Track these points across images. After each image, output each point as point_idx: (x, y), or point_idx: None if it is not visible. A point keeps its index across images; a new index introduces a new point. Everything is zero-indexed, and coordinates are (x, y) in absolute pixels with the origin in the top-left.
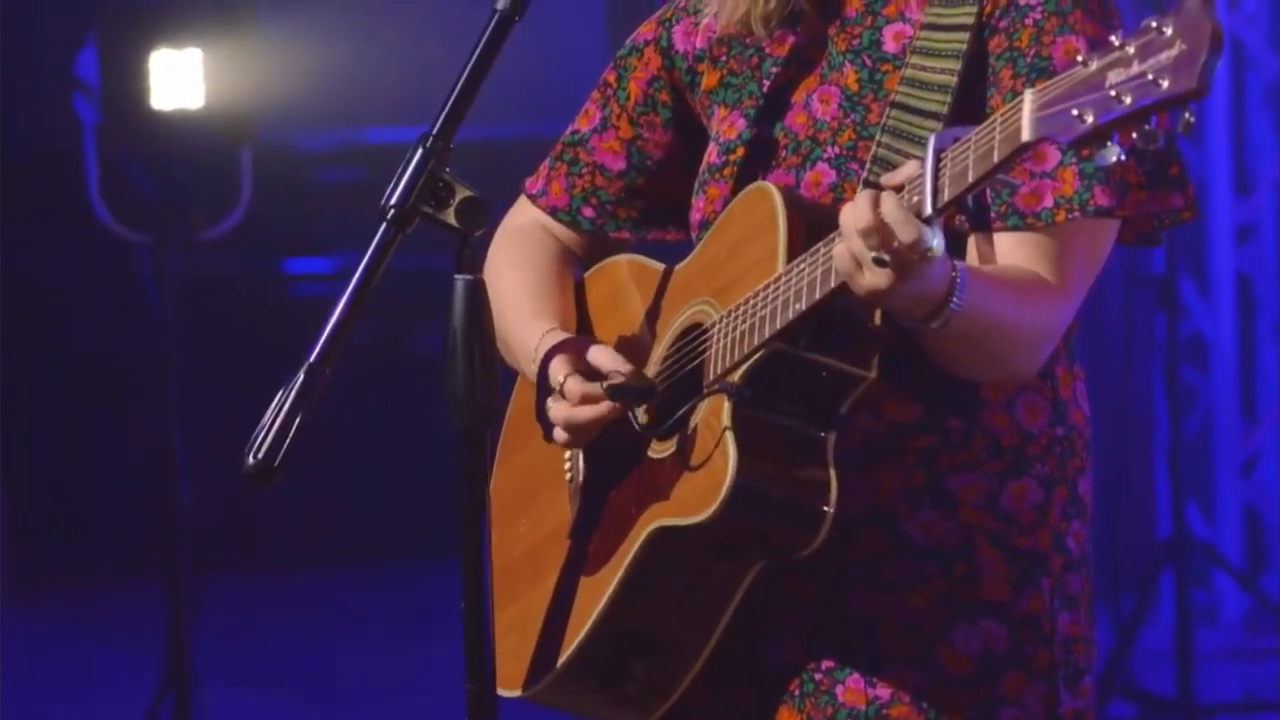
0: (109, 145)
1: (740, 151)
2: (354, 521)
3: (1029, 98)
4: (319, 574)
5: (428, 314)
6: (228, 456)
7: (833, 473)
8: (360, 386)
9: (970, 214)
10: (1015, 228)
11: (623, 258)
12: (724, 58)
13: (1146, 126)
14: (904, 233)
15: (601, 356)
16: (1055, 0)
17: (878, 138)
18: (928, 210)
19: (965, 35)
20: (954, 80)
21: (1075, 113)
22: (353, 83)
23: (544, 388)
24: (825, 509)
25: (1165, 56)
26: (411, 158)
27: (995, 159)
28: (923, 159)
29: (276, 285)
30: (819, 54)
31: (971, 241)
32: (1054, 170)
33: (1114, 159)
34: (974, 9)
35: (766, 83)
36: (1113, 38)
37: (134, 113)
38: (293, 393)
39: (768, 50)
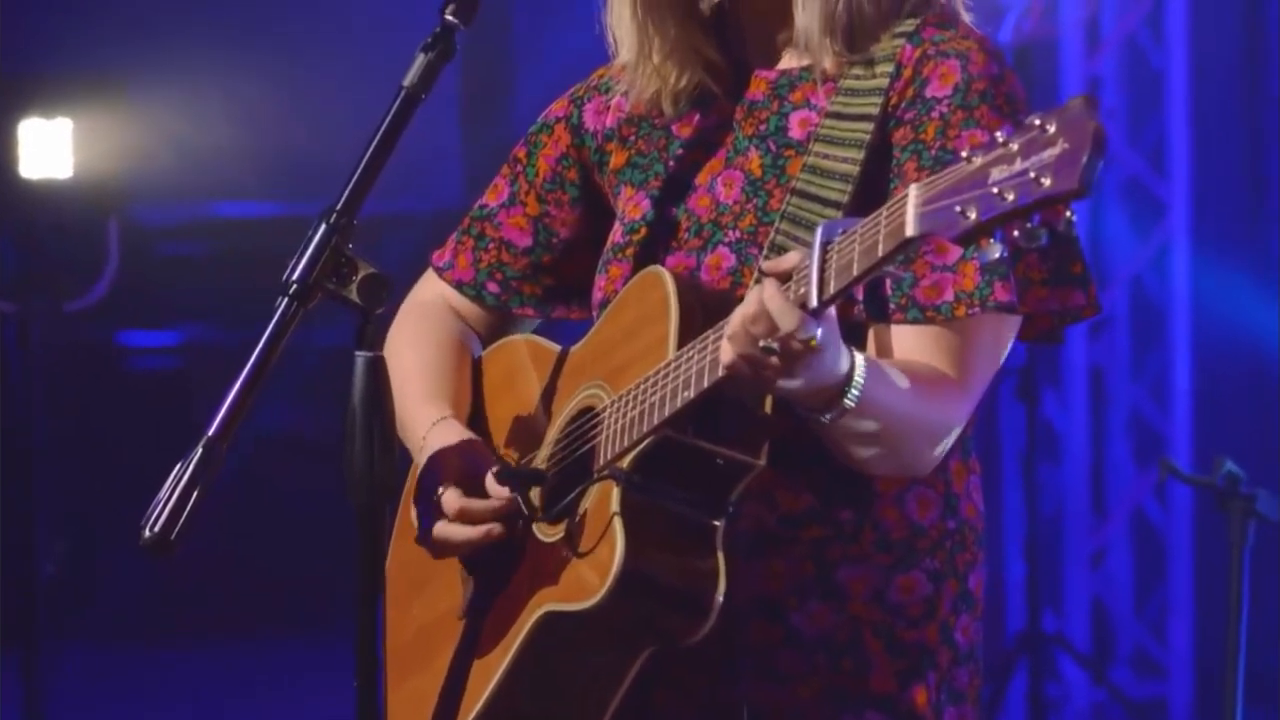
0: None
1: (643, 232)
2: (218, 595)
3: (913, 193)
4: (178, 648)
5: (282, 390)
6: (88, 527)
7: (721, 561)
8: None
9: (867, 305)
10: (915, 321)
11: (520, 337)
12: (633, 138)
13: (1028, 224)
14: (784, 321)
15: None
16: (962, 94)
17: (776, 224)
18: (813, 302)
19: (870, 125)
20: (856, 170)
21: (958, 209)
22: (222, 156)
23: (423, 489)
24: (714, 597)
25: (1048, 155)
26: (314, 234)
27: (879, 253)
28: (809, 248)
29: (140, 357)
30: (726, 137)
31: (871, 333)
32: (955, 264)
33: (996, 255)
34: (880, 100)
35: (673, 164)
36: (998, 134)
37: (1, 181)
38: (190, 467)
39: (675, 132)
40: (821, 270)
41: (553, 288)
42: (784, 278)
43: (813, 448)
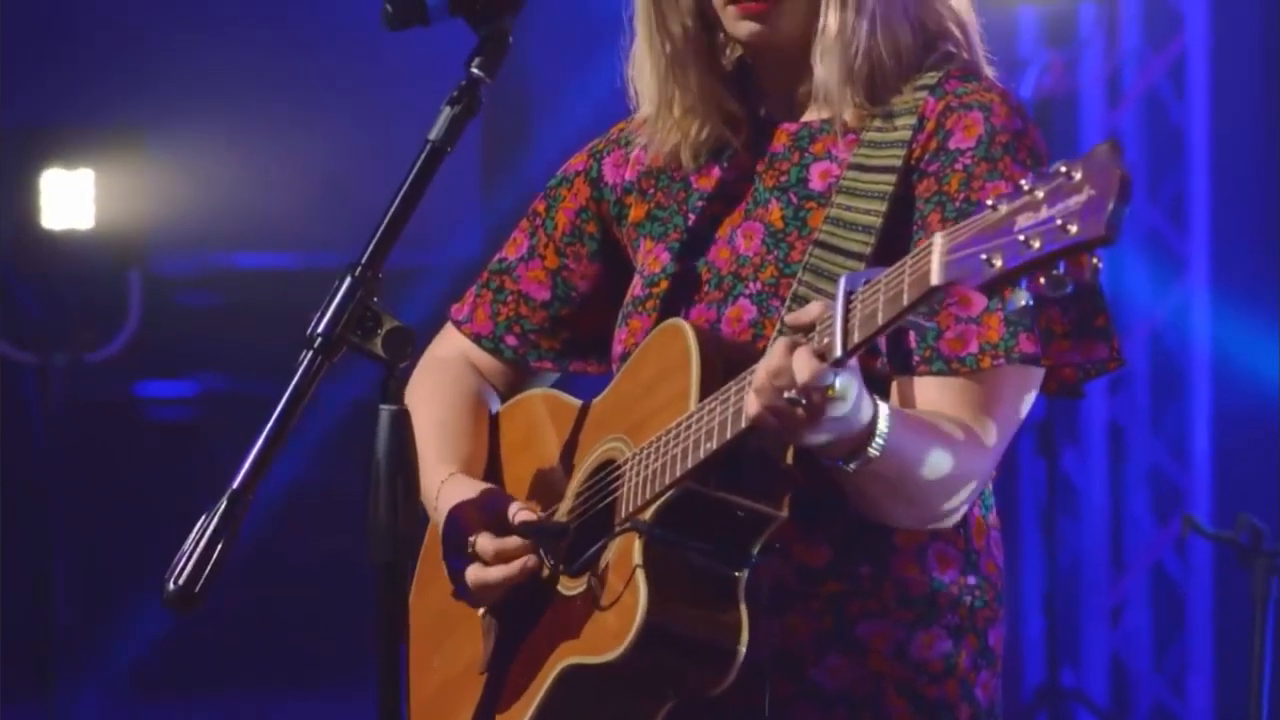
0: None
1: (664, 285)
2: (239, 647)
3: (938, 241)
4: (197, 700)
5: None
6: (107, 577)
7: (744, 613)
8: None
9: (891, 357)
10: (940, 373)
11: (537, 392)
12: (652, 190)
13: (1055, 272)
14: (808, 373)
15: (516, 512)
16: (985, 146)
17: (799, 275)
18: (838, 352)
19: (892, 177)
20: (879, 221)
21: (984, 257)
22: (243, 207)
23: (449, 543)
24: (737, 648)
25: (1074, 202)
26: (339, 287)
27: (905, 302)
28: (832, 299)
29: (159, 407)
30: (745, 189)
31: (895, 385)
32: (980, 316)
33: (1023, 303)
34: (902, 152)
35: (692, 216)
36: (1022, 181)
37: (24, 231)
38: (214, 520)
39: (695, 184)
40: (845, 321)
41: (571, 341)
42: (807, 329)
43: (831, 502)
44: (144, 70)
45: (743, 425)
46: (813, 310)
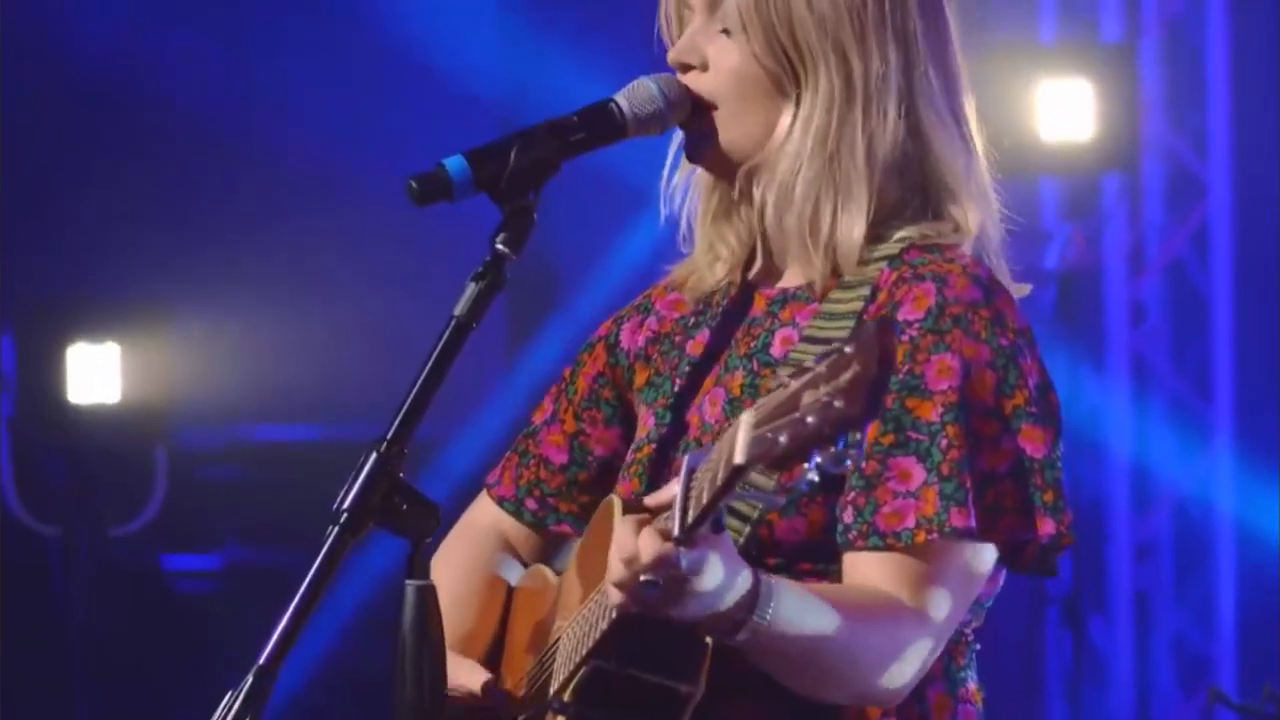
0: (23, 437)
1: (647, 450)
2: None
3: (744, 419)
4: None
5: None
6: None
7: None
8: None
9: (827, 532)
10: (876, 548)
11: (541, 565)
12: (655, 356)
13: (833, 448)
14: (650, 554)
15: (462, 676)
16: (935, 318)
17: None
18: (675, 532)
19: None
20: None
21: (771, 435)
22: (268, 380)
23: None
24: None
25: (844, 379)
26: (365, 462)
27: (719, 482)
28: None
29: (184, 580)
30: (723, 354)
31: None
32: (918, 490)
33: (811, 479)
34: (851, 324)
35: (679, 381)
36: (815, 357)
37: (50, 405)
38: (241, 696)
39: (687, 350)
40: (684, 500)
41: (589, 505)
42: (666, 509)
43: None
44: (169, 245)
45: (613, 612)
46: (670, 490)
